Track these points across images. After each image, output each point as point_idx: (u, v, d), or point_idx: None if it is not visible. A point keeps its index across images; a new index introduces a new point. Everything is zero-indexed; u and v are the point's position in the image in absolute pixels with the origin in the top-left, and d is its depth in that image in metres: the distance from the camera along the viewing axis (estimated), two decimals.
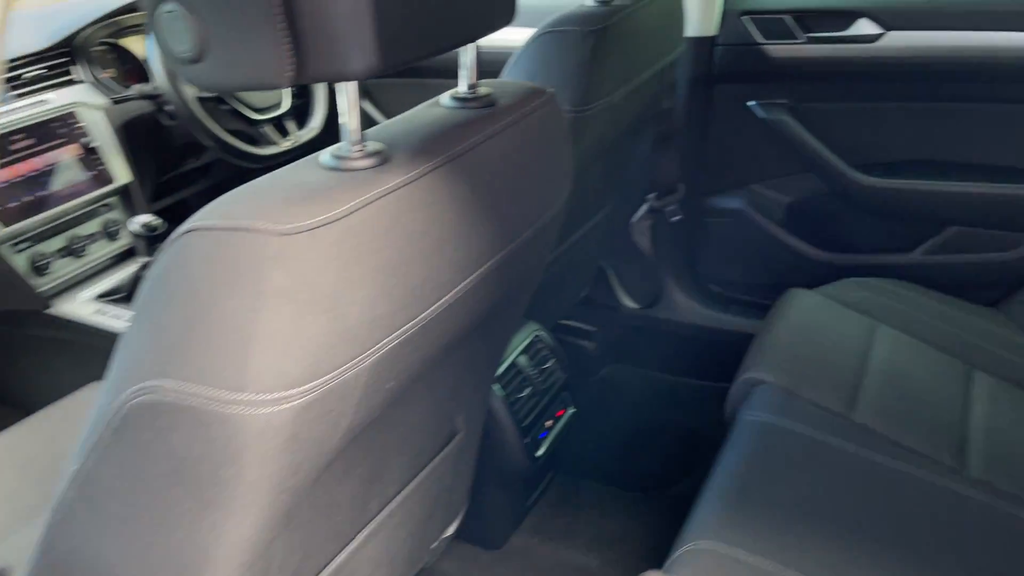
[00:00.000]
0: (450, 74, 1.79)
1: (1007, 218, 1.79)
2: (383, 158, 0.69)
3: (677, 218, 2.00)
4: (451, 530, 1.30)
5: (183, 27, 0.60)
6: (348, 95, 0.67)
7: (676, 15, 1.62)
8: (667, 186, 2.00)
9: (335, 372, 0.63)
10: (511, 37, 1.80)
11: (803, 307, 1.66)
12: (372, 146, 0.69)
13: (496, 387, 1.32)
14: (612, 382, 2.18)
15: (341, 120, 0.69)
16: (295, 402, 0.61)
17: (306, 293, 0.60)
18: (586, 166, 1.50)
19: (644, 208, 2.01)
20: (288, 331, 0.60)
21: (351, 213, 0.62)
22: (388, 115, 2.25)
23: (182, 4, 0.60)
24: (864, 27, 1.75)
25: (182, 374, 0.61)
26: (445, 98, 0.85)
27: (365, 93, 2.26)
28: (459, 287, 0.75)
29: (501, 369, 1.35)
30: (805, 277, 1.92)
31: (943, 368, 1.57)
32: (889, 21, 1.72)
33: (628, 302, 2.15)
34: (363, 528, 0.95)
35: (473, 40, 0.77)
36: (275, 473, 0.65)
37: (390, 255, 0.65)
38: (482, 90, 0.85)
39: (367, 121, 2.23)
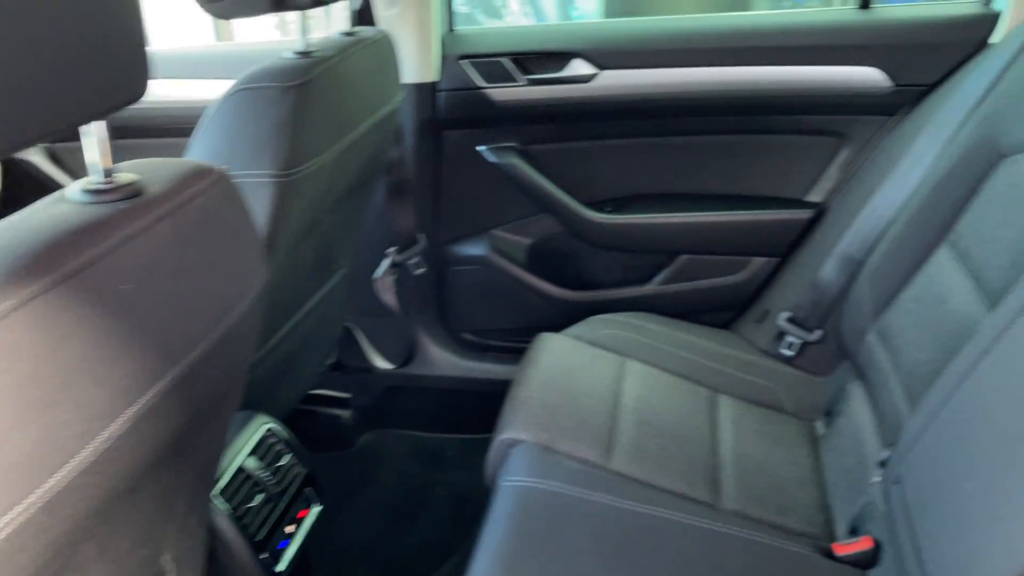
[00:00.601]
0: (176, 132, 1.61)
1: (730, 243, 1.88)
2: None
3: (421, 271, 1.90)
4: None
5: None
6: None
7: (389, 62, 1.53)
8: (407, 238, 1.90)
9: None
10: (207, 91, 1.62)
11: (553, 352, 1.62)
12: None
13: (218, 501, 1.13)
14: (373, 450, 2.04)
15: None
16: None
17: None
18: (305, 233, 1.36)
19: (386, 263, 1.90)
20: None
21: None
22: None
23: None
24: (579, 67, 1.76)
25: None
26: (73, 191, 0.67)
27: (54, 158, 1.96)
28: (126, 413, 0.58)
29: (224, 480, 1.16)
30: (554, 317, 1.90)
31: (690, 398, 1.59)
32: (601, 61, 1.75)
33: (381, 363, 2.02)
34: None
35: (97, 118, 0.61)
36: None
37: (26, 391, 0.48)
38: (123, 177, 0.68)
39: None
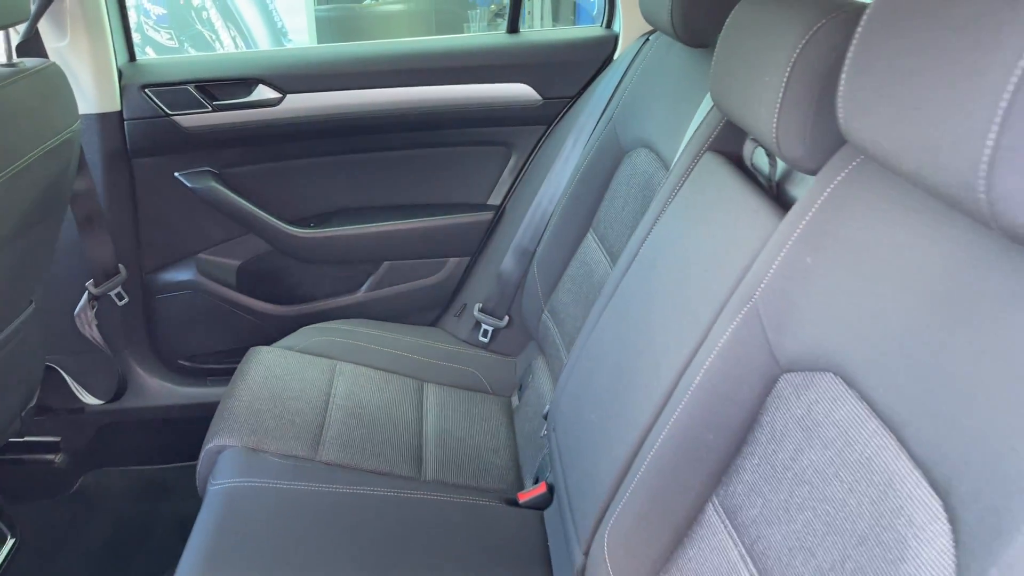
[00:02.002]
0: None
1: (426, 247, 2.05)
2: None
3: (124, 301, 1.88)
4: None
5: None
6: None
7: (60, 92, 1.52)
8: (106, 269, 1.87)
9: None
10: None
11: (264, 363, 1.69)
12: None
13: None
14: (92, 492, 1.97)
15: None
16: None
17: None
18: None
19: (84, 298, 1.86)
20: None
21: None
22: None
23: None
24: (265, 92, 1.86)
25: None
26: None
27: None
28: None
29: None
30: (270, 334, 1.96)
31: (398, 389, 1.72)
32: (285, 86, 1.85)
33: (91, 399, 1.96)
34: None
35: None
36: None
37: None
38: None
39: None
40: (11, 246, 1.46)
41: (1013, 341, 0.60)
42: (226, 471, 1.39)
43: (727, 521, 0.90)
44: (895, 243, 0.75)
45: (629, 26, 1.87)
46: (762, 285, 0.90)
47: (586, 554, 1.09)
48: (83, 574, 1.74)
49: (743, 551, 0.86)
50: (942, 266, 0.68)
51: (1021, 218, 0.53)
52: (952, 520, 0.61)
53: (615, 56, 1.91)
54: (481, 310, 1.94)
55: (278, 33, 4.26)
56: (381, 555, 1.26)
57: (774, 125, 0.92)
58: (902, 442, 0.68)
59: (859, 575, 0.68)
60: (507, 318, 1.92)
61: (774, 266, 0.89)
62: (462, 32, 4.76)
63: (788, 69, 0.90)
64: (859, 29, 0.70)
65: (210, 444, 1.46)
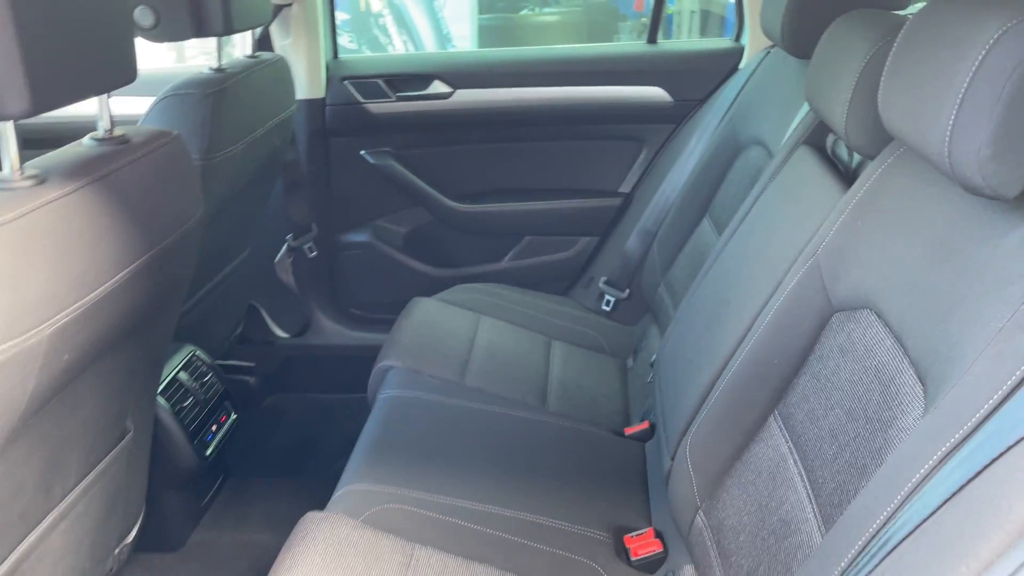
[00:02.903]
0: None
1: (563, 226, 2.36)
2: (40, 180, 0.90)
3: (314, 255, 2.30)
4: (131, 537, 1.44)
5: None
6: (5, 133, 0.88)
7: (285, 80, 1.94)
8: (302, 227, 2.30)
9: (19, 339, 0.83)
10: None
11: (423, 310, 2.04)
12: (29, 171, 0.91)
13: (160, 400, 1.49)
14: (275, 411, 2.40)
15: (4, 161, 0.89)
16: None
17: None
18: (220, 209, 1.74)
19: (284, 248, 2.29)
20: None
21: (20, 217, 0.84)
22: None
23: None
24: (439, 87, 2.23)
25: None
26: (86, 139, 1.07)
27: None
28: (116, 277, 0.98)
29: (163, 384, 1.53)
30: (426, 290, 2.32)
31: (530, 341, 2.04)
32: (455, 82, 2.22)
33: (281, 333, 2.39)
34: (48, 514, 1.10)
35: (107, 91, 1.01)
36: None
37: (57, 247, 0.87)
38: (117, 131, 1.08)
39: None
40: (241, 196, 1.88)
41: (979, 269, 0.84)
42: (392, 384, 1.75)
43: (782, 425, 1.15)
44: (914, 207, 0.99)
45: (754, 40, 2.12)
46: (823, 244, 1.15)
47: (672, 458, 1.36)
48: (269, 458, 2.15)
49: (791, 445, 1.11)
50: (942, 221, 0.93)
51: (968, 172, 0.77)
52: (925, 396, 0.85)
53: (740, 65, 2.16)
54: (606, 283, 2.23)
55: (444, 39, 4.71)
56: (508, 463, 1.56)
57: (844, 119, 1.17)
58: (904, 350, 0.93)
59: (860, 441, 0.93)
60: (628, 291, 2.20)
61: (833, 229, 1.14)
62: (612, 41, 5.07)
63: (856, 77, 1.15)
64: (894, 47, 0.96)
65: (380, 363, 1.82)
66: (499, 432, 1.65)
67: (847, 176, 1.31)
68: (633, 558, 1.37)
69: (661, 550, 1.37)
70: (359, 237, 2.40)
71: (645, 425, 1.72)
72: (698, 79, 2.20)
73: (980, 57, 0.76)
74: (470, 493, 1.43)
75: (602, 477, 1.57)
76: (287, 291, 2.30)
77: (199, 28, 1.56)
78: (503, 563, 1.28)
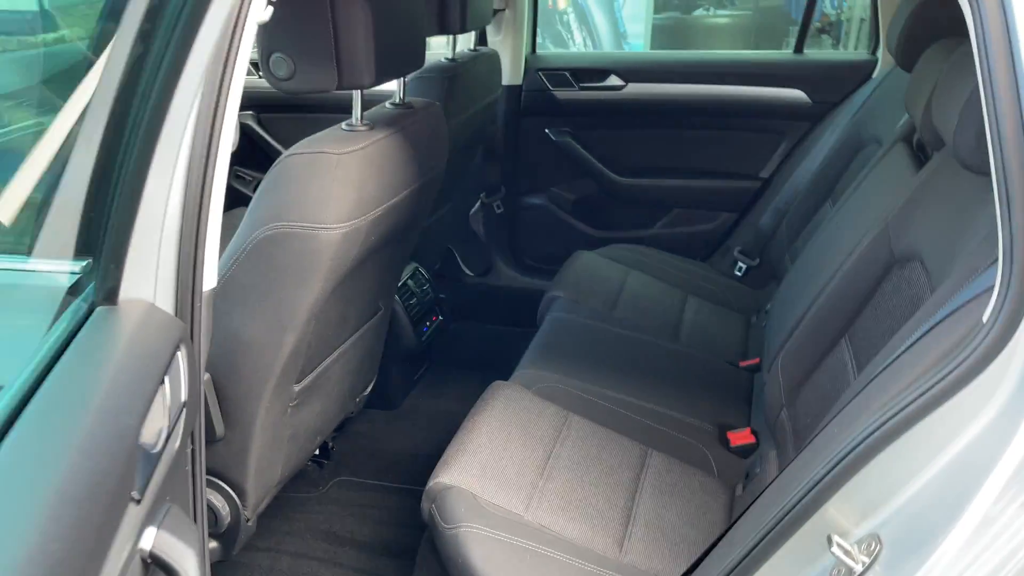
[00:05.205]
0: (328, 109, 2.54)
1: (709, 201, 2.80)
2: (371, 126, 1.47)
3: (500, 211, 2.86)
4: (367, 391, 2.03)
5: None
6: (356, 98, 1.45)
7: (496, 69, 2.50)
8: (494, 188, 2.86)
9: (356, 220, 1.40)
10: None
11: (585, 260, 2.55)
12: (366, 122, 1.48)
13: (397, 295, 2.09)
14: (458, 334, 2.98)
15: (355, 112, 1.46)
16: (343, 230, 1.37)
17: (347, 180, 1.37)
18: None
19: (478, 204, 2.86)
20: (340, 196, 1.36)
21: (363, 148, 1.40)
22: (283, 143, 2.95)
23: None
24: (613, 80, 2.72)
25: (291, 217, 1.35)
26: (387, 105, 1.64)
27: (262, 126, 2.97)
28: (400, 195, 1.54)
29: (399, 285, 2.12)
30: (587, 248, 2.83)
31: (670, 292, 2.50)
32: (627, 76, 2.70)
33: (468, 272, 2.97)
34: (341, 343, 1.69)
35: (406, 74, 1.57)
36: (330, 269, 1.40)
37: (379, 168, 1.44)
38: (406, 100, 1.64)
39: (266, 146, 2.93)
40: (452, 158, 2.44)
41: (974, 213, 1.24)
42: (557, 309, 2.26)
43: (848, 343, 1.57)
44: (954, 181, 1.39)
45: (886, 55, 2.46)
46: (894, 212, 1.56)
47: (768, 371, 1.80)
48: (461, 358, 2.74)
49: (852, 354, 1.53)
50: (967, 187, 1.32)
51: (965, 154, 1.18)
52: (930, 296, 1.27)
53: (873, 75, 2.51)
54: (740, 252, 2.65)
55: (619, 36, 5.18)
56: (644, 370, 2.03)
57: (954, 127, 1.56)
58: (928, 273, 1.33)
59: (892, 335, 1.35)
60: (758, 260, 2.61)
61: (902, 200, 1.54)
62: (781, 45, 5.35)
63: (933, 86, 1.54)
64: (943, 69, 1.36)
65: (549, 294, 2.34)
66: (638, 350, 2.13)
67: (921, 163, 1.69)
68: (732, 445, 1.82)
69: (754, 441, 1.81)
70: (537, 200, 2.94)
71: (756, 361, 2.15)
72: (834, 85, 2.57)
73: None
74: (613, 385, 1.92)
75: (715, 389, 2.02)
76: (477, 239, 2.87)
77: (441, 27, 2.10)
78: (634, 436, 1.77)
